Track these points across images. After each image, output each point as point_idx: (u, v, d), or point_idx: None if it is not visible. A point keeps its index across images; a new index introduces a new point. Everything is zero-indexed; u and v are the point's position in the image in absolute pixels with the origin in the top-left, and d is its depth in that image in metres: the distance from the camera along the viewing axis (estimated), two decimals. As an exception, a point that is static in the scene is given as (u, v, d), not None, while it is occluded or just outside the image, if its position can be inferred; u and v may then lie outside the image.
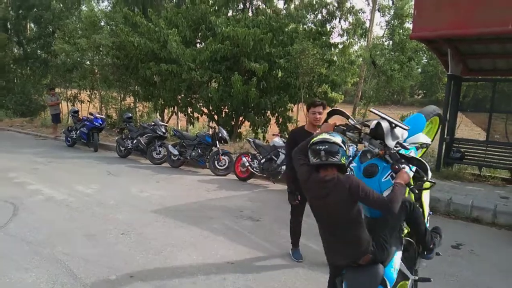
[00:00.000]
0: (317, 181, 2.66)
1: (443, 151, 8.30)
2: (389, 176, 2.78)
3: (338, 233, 2.64)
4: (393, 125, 2.84)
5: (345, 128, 3.03)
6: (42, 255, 4.19)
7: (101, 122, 11.44)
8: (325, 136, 2.67)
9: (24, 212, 5.58)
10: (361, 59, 14.26)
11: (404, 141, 2.96)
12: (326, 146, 2.61)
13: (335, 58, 12.59)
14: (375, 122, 2.92)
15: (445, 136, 8.18)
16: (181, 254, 4.39)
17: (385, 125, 2.83)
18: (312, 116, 4.02)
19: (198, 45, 13.35)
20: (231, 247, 4.65)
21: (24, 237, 4.66)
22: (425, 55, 17.92)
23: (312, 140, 2.69)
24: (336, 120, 3.34)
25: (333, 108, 3.41)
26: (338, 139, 2.66)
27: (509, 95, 8.54)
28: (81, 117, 12.26)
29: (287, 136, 7.33)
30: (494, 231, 5.86)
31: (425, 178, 2.86)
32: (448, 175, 7.94)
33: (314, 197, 2.71)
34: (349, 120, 3.09)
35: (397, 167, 2.77)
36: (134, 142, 10.25)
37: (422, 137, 3.18)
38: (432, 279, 2.97)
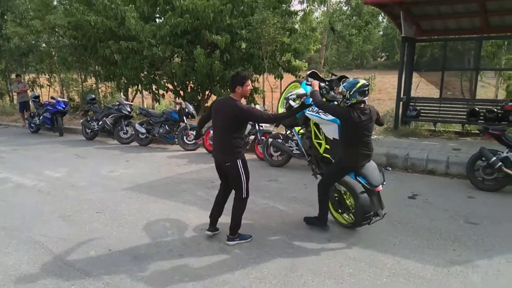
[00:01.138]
0: (362, 112, 3.88)
1: (400, 110, 8.74)
2: None
3: (369, 143, 4.03)
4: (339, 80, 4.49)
5: (321, 84, 4.42)
6: (20, 238, 4.29)
7: (64, 106, 11.23)
8: (363, 81, 3.89)
9: (-5, 200, 5.59)
10: (323, 25, 14.40)
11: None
12: (368, 87, 3.88)
13: (296, 26, 12.67)
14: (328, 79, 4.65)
15: (402, 96, 8.59)
16: (156, 226, 4.59)
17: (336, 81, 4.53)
18: (248, 88, 4.02)
19: (157, 20, 13.10)
20: (205, 215, 4.82)
21: (-1, 223, 4.72)
22: (385, 18, 18.27)
23: (359, 85, 3.83)
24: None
25: (312, 70, 4.68)
26: None
27: (460, 53, 8.99)
28: (42, 102, 11.97)
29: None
30: (447, 181, 6.36)
31: None
32: (405, 133, 8.41)
33: (360, 123, 3.86)
34: (324, 79, 4.65)
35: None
36: (100, 123, 10.18)
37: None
38: None
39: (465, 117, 8.30)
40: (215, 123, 4.12)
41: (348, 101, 3.89)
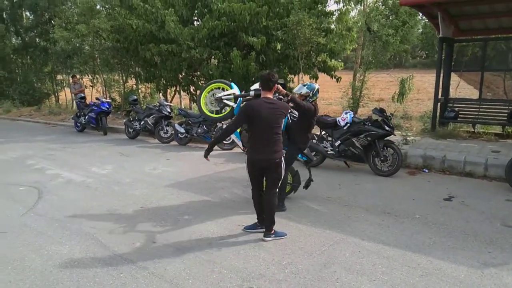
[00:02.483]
0: (315, 106, 5.08)
1: (438, 111, 8.62)
2: None
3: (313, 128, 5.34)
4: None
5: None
6: (72, 230, 4.67)
7: (108, 106, 11.83)
8: (317, 84, 5.37)
9: (48, 195, 6.04)
10: (359, 24, 14.26)
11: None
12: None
13: (332, 26, 12.69)
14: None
15: (440, 97, 8.47)
16: (196, 221, 4.85)
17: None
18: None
19: (195, 23, 13.48)
20: (241, 212, 5.11)
21: (53, 216, 5.13)
22: (424, 17, 17.81)
23: (316, 88, 5.25)
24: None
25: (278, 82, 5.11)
26: None
27: (501, 53, 8.75)
28: (88, 103, 12.63)
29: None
30: (485, 183, 6.27)
31: None
32: (443, 134, 8.30)
33: (317, 113, 5.11)
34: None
35: None
36: (142, 123, 10.67)
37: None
38: None
39: (505, 118, 8.08)
40: (259, 126, 4.16)
41: (310, 99, 5.22)
